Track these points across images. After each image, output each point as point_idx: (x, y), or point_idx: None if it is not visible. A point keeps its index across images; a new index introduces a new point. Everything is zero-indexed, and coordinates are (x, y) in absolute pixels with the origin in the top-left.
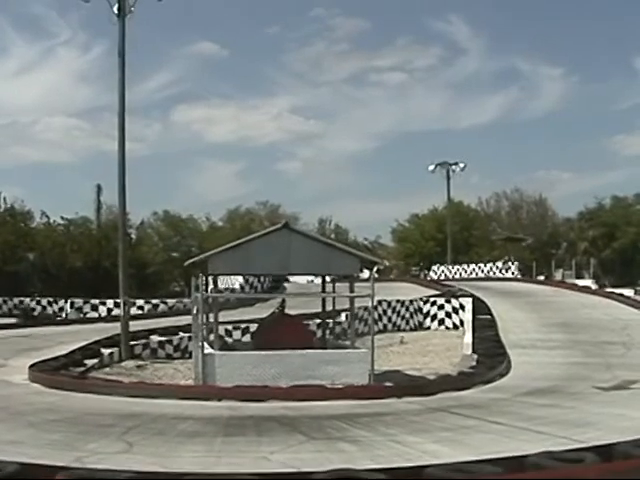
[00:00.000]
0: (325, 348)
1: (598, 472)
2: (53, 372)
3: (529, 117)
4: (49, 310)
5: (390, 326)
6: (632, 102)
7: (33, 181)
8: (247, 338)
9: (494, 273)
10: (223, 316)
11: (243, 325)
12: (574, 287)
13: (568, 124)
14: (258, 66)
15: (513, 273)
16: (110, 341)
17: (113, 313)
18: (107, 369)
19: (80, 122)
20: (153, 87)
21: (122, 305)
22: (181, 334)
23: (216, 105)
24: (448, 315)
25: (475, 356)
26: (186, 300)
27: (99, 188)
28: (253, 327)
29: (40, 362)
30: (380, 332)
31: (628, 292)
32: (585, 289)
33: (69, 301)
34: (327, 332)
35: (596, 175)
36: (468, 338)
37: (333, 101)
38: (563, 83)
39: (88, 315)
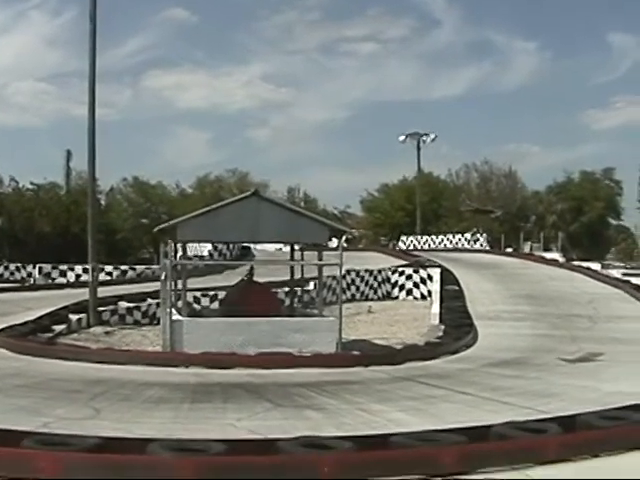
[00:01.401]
0: (293, 316)
1: (560, 442)
2: (21, 337)
3: (501, 90)
4: (17, 276)
5: (358, 295)
6: (605, 78)
7: (1, 145)
8: (215, 305)
9: (463, 244)
10: (191, 283)
11: (211, 292)
12: (542, 260)
13: (540, 98)
14: (230, 33)
15: (482, 245)
16: (78, 307)
17: (81, 279)
18: (75, 335)
19: (50, 86)
20: (124, 53)
21: (90, 271)
22: (149, 300)
23: (187, 71)
24: (416, 285)
25: (442, 326)
26: (155, 267)
27: (69, 153)
28: (221, 294)
29: (7, 327)
30: (348, 301)
31: (595, 266)
32: (553, 262)
33: (37, 267)
34: (295, 300)
35: (566, 149)
36: (435, 308)
37: (304, 69)
38: (536, 57)
39: (56, 281)
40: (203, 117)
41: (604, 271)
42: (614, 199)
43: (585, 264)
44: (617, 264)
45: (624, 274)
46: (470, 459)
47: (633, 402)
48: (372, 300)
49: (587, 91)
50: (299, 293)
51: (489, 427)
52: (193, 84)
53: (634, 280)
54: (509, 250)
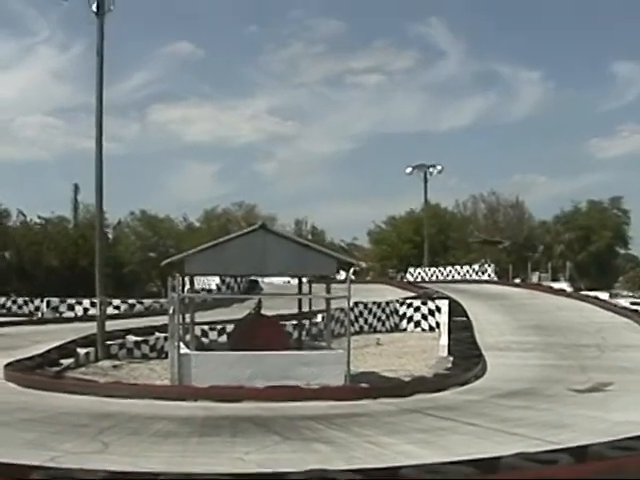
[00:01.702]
0: (301, 349)
1: (571, 473)
2: (29, 371)
3: (507, 120)
4: (25, 309)
5: (366, 327)
6: (609, 106)
7: (9, 179)
8: (223, 339)
9: (471, 276)
10: (199, 316)
11: (219, 326)
12: (549, 290)
13: (545, 128)
14: (235, 67)
15: (489, 276)
16: (86, 341)
17: (89, 312)
18: (83, 369)
19: (57, 121)
20: (131, 87)
21: (98, 304)
22: (157, 334)
23: (193, 105)
24: (424, 317)
25: (451, 358)
26: (163, 300)
27: (76, 187)
28: (229, 328)
29: (16, 361)
30: (356, 333)
31: (603, 295)
32: (560, 292)
33: (45, 300)
34: (303, 333)
35: (572, 179)
36: (444, 340)
37: (310, 102)
38: (541, 87)
39: (64, 314)
40: (209, 150)
41: (612, 300)
42: (622, 228)
43: (593, 293)
44: (625, 293)
45: (632, 303)
46: None
47: None
48: (380, 332)
49: (592, 120)
50: (307, 326)
51: (499, 458)
52: (199, 118)
53: None
54: (517, 280)
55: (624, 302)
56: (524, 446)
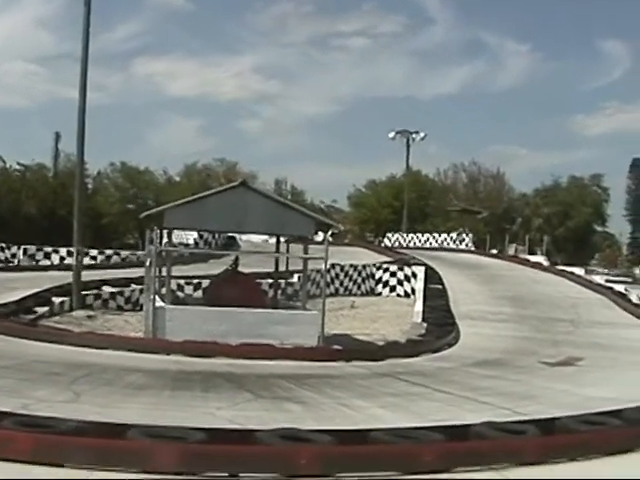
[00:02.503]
0: (276, 308)
1: (538, 445)
2: (2, 318)
3: (492, 91)
4: (1, 256)
5: (342, 290)
6: (596, 84)
7: None
8: (199, 294)
9: (448, 244)
10: (176, 271)
11: (195, 280)
12: (526, 262)
13: (530, 100)
14: (223, 22)
15: (467, 245)
16: (61, 290)
17: (66, 262)
18: (57, 318)
19: (40, 68)
20: (117, 37)
21: (75, 254)
22: (133, 286)
23: (179, 59)
24: (400, 282)
25: (425, 325)
26: (140, 252)
27: (57, 136)
28: (205, 283)
29: None
30: (331, 295)
31: (579, 271)
32: (537, 265)
33: (22, 248)
34: (279, 292)
35: (554, 153)
36: (419, 306)
37: (296, 62)
38: (528, 59)
39: (41, 263)
40: (193, 105)
41: (588, 277)
42: (601, 205)
43: (569, 269)
44: (601, 270)
45: (607, 280)
46: (449, 457)
47: (612, 407)
48: (355, 295)
49: (578, 96)
50: (283, 285)
51: (468, 426)
52: (184, 72)
53: (616, 287)
54: (494, 251)
55: (599, 279)
56: (493, 415)
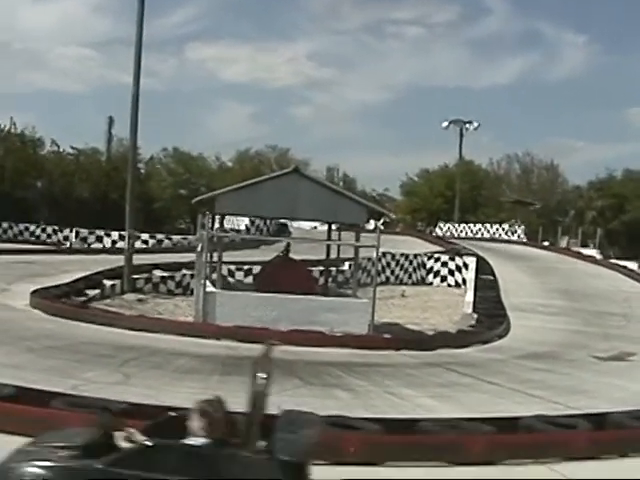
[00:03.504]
0: (327, 295)
1: (590, 439)
2: (55, 299)
3: (548, 82)
4: (54, 238)
5: (392, 279)
6: None
7: (45, 109)
8: (250, 280)
9: (500, 235)
10: (227, 256)
11: (246, 266)
12: (579, 255)
13: (586, 92)
14: (276, 8)
15: (519, 236)
16: (113, 273)
17: (117, 245)
18: (108, 300)
19: (95, 53)
20: (171, 23)
21: (127, 238)
22: (184, 271)
23: (232, 45)
24: (451, 272)
25: (475, 315)
26: (191, 237)
27: (111, 120)
28: (256, 269)
29: (42, 289)
30: (382, 284)
31: (632, 265)
32: (589, 258)
33: (74, 230)
34: (330, 280)
35: (609, 146)
36: (469, 297)
37: (350, 49)
38: (585, 51)
39: (92, 246)
40: (246, 91)
41: None
42: None
43: (622, 263)
44: None
45: None
46: (498, 449)
47: None
48: (406, 284)
49: (635, 88)
50: (334, 273)
51: (518, 419)
52: (237, 58)
53: None
54: (546, 244)
55: None
56: (543, 408)
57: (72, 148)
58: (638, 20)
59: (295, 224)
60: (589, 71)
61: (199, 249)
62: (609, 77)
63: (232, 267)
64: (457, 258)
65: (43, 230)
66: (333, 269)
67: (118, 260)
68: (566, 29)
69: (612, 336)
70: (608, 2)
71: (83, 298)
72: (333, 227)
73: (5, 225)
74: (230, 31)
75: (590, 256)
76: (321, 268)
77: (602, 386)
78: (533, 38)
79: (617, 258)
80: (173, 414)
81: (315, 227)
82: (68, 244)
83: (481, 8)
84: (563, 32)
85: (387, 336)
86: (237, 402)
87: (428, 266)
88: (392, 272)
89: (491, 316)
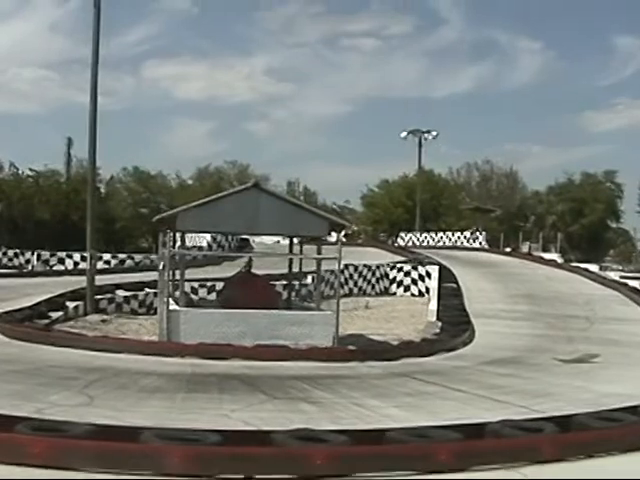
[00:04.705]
0: (290, 309)
1: (556, 442)
2: (17, 323)
3: (504, 89)
4: (15, 262)
5: (356, 290)
6: (607, 81)
7: (2, 131)
8: (213, 296)
9: (462, 242)
10: (190, 273)
11: (209, 283)
12: (540, 260)
13: (542, 98)
14: (232, 24)
15: (480, 243)
16: (75, 294)
17: (79, 267)
18: (71, 322)
19: (51, 73)
20: (127, 42)
21: (89, 258)
22: (147, 290)
23: (189, 62)
24: (414, 282)
25: (439, 324)
26: (153, 256)
27: (69, 141)
28: (219, 285)
29: (4, 313)
30: (346, 296)
31: (593, 268)
32: (551, 262)
33: (36, 253)
34: (293, 293)
35: (566, 150)
36: (433, 305)
37: (306, 63)
38: (540, 57)
39: (54, 268)
40: (203, 108)
41: (602, 273)
42: (614, 202)
43: (583, 266)
44: (615, 267)
45: (622, 277)
46: (465, 456)
47: (628, 404)
48: (370, 295)
49: (589, 92)
50: (297, 287)
51: (484, 425)
52: (194, 75)
53: (632, 283)
54: (508, 249)
55: (614, 275)
56: (509, 413)
57: (31, 170)
58: (589, 24)
59: (257, 239)
60: (545, 77)
61: (161, 267)
62: (563, 82)
63: (195, 284)
64: (420, 267)
65: (4, 254)
66: (296, 283)
67: (80, 281)
68: (520, 36)
69: (575, 339)
70: (559, 8)
71: (46, 321)
72: (295, 241)
73: None
74: (187, 48)
75: (552, 260)
76: (284, 282)
77: (567, 388)
78: (489, 46)
79: (578, 261)
80: None
81: (278, 242)
82: (30, 267)
83: (436, 19)
84: (517, 40)
85: (352, 348)
86: (203, 419)
87: (391, 276)
88: (355, 284)
89: (455, 324)
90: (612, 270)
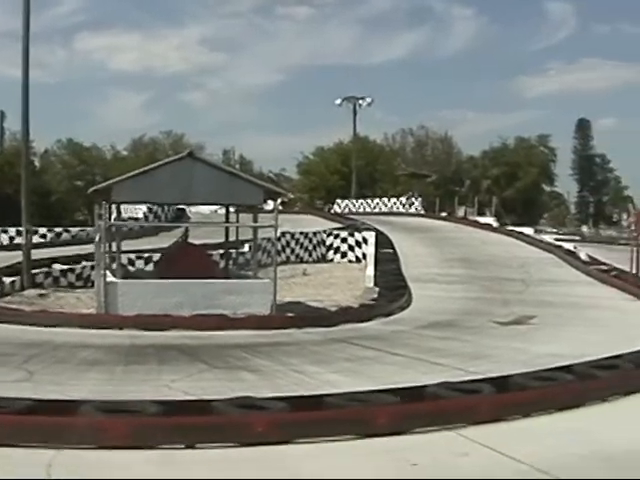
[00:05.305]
0: (228, 278)
1: (493, 403)
2: None
3: (439, 56)
4: None
5: (293, 258)
6: (540, 45)
7: None
8: (150, 267)
9: (398, 208)
10: (126, 245)
11: (146, 254)
12: (476, 224)
13: (476, 64)
14: None
15: (416, 208)
16: (12, 269)
17: (15, 241)
18: (8, 297)
19: None
20: (60, 13)
21: (24, 233)
22: (84, 263)
23: (122, 33)
24: (351, 248)
25: (377, 289)
26: (89, 229)
27: (2, 114)
28: (156, 256)
29: None
30: (283, 263)
31: (528, 230)
32: (486, 226)
33: None
34: (230, 262)
35: (500, 115)
36: (370, 271)
37: (241, 32)
38: (474, 23)
39: None
40: (137, 79)
41: (537, 236)
42: (548, 165)
43: (518, 229)
44: (550, 229)
45: (556, 239)
46: (404, 419)
47: (564, 363)
48: (307, 262)
49: (523, 57)
50: (234, 255)
51: (423, 387)
52: (128, 46)
53: (566, 245)
54: (444, 214)
55: (548, 238)
56: (448, 376)
57: None
58: None
59: (194, 209)
60: (478, 43)
61: (97, 240)
62: (496, 48)
63: (132, 256)
64: (356, 233)
65: None
66: (233, 251)
67: (16, 256)
68: (454, 3)
69: (511, 301)
70: None
71: None
72: (231, 209)
73: None
74: (120, 20)
75: (487, 224)
76: (221, 251)
77: (504, 350)
78: (423, 13)
79: (513, 225)
80: None
81: (215, 211)
82: None
83: None
84: (451, 6)
85: (290, 315)
86: (143, 390)
87: (328, 243)
88: (292, 251)
89: (392, 289)
90: (547, 233)
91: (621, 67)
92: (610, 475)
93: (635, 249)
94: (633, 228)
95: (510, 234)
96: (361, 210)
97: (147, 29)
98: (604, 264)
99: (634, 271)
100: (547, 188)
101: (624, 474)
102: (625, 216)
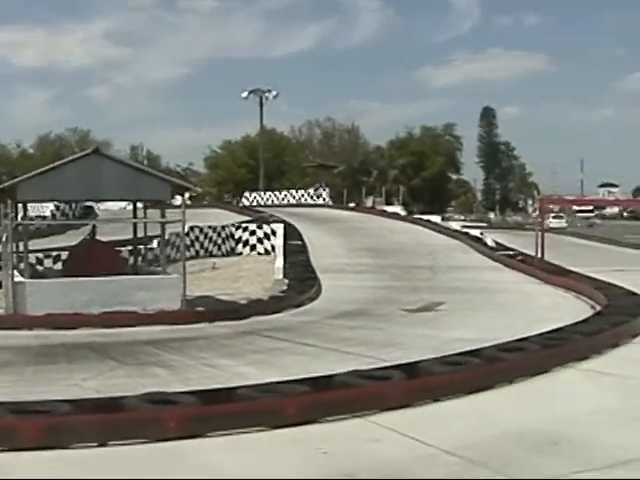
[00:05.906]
0: (137, 274)
1: (402, 389)
2: None
3: (345, 48)
4: None
5: (202, 252)
6: (444, 36)
7: None
8: (59, 266)
9: (306, 200)
10: (34, 244)
11: (54, 253)
12: (384, 214)
13: (382, 56)
14: None
15: (324, 199)
16: None
17: None
18: None
19: None
20: None
21: None
22: None
23: (26, 29)
24: (260, 241)
25: (286, 281)
26: None
27: None
28: (65, 255)
29: None
30: (192, 258)
31: (436, 218)
32: (394, 215)
33: None
34: (139, 258)
35: (406, 106)
36: (279, 263)
37: (145, 26)
38: (380, 15)
39: None
40: (42, 75)
41: (444, 223)
42: (454, 154)
43: (426, 217)
44: (457, 217)
45: (463, 226)
46: (314, 408)
47: (471, 348)
48: (216, 256)
49: (428, 48)
50: (143, 251)
51: (333, 376)
52: (32, 42)
53: (472, 232)
54: (352, 205)
55: (456, 225)
56: (358, 364)
57: None
58: None
59: (102, 206)
60: (384, 34)
61: (4, 239)
62: (402, 39)
63: (40, 255)
64: (265, 226)
65: None
66: (142, 247)
67: None
68: None
69: (420, 288)
70: None
71: None
72: (139, 205)
73: None
74: (24, 15)
75: (395, 213)
76: (129, 247)
77: (413, 337)
78: (329, 6)
79: (421, 213)
80: None
81: (124, 208)
82: None
83: None
84: None
85: (200, 309)
86: (54, 390)
87: (237, 236)
88: (201, 245)
89: (302, 280)
90: (454, 220)
91: (524, 57)
92: (522, 454)
93: (540, 234)
94: (538, 214)
95: (418, 222)
96: (270, 203)
97: (53, 24)
98: (510, 249)
99: (539, 255)
100: (454, 176)
101: (537, 452)
102: (530, 202)
